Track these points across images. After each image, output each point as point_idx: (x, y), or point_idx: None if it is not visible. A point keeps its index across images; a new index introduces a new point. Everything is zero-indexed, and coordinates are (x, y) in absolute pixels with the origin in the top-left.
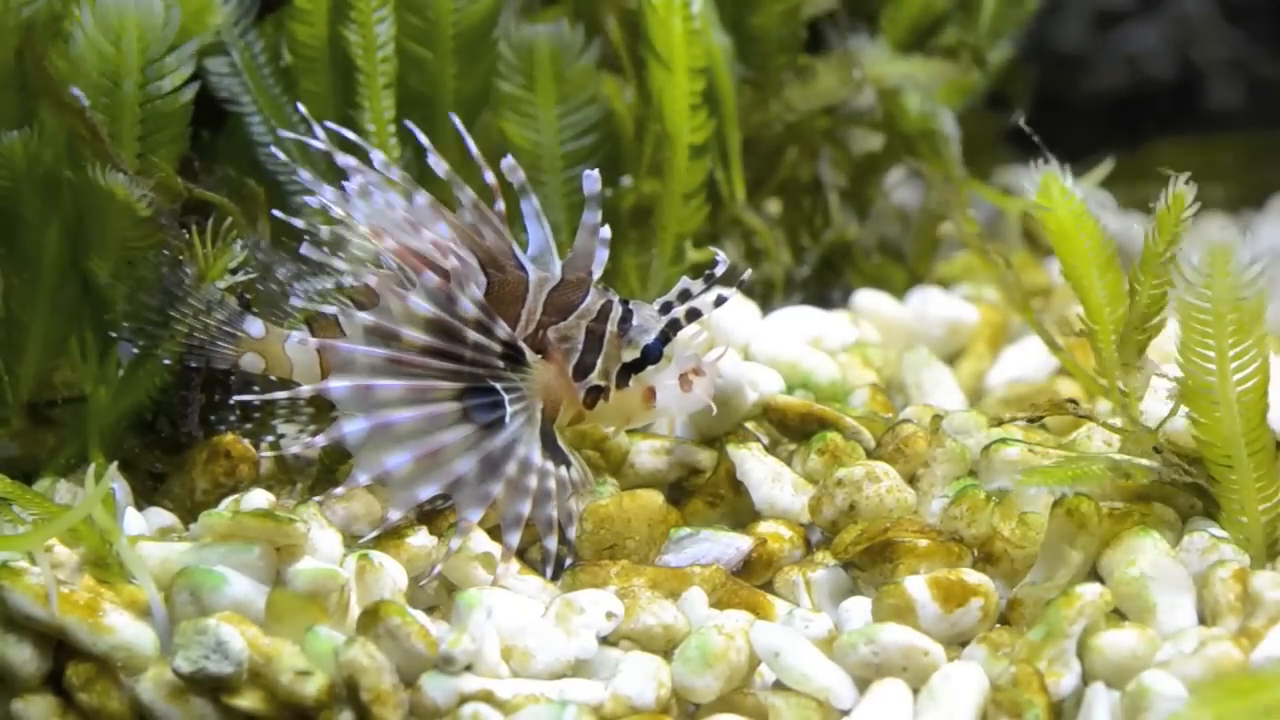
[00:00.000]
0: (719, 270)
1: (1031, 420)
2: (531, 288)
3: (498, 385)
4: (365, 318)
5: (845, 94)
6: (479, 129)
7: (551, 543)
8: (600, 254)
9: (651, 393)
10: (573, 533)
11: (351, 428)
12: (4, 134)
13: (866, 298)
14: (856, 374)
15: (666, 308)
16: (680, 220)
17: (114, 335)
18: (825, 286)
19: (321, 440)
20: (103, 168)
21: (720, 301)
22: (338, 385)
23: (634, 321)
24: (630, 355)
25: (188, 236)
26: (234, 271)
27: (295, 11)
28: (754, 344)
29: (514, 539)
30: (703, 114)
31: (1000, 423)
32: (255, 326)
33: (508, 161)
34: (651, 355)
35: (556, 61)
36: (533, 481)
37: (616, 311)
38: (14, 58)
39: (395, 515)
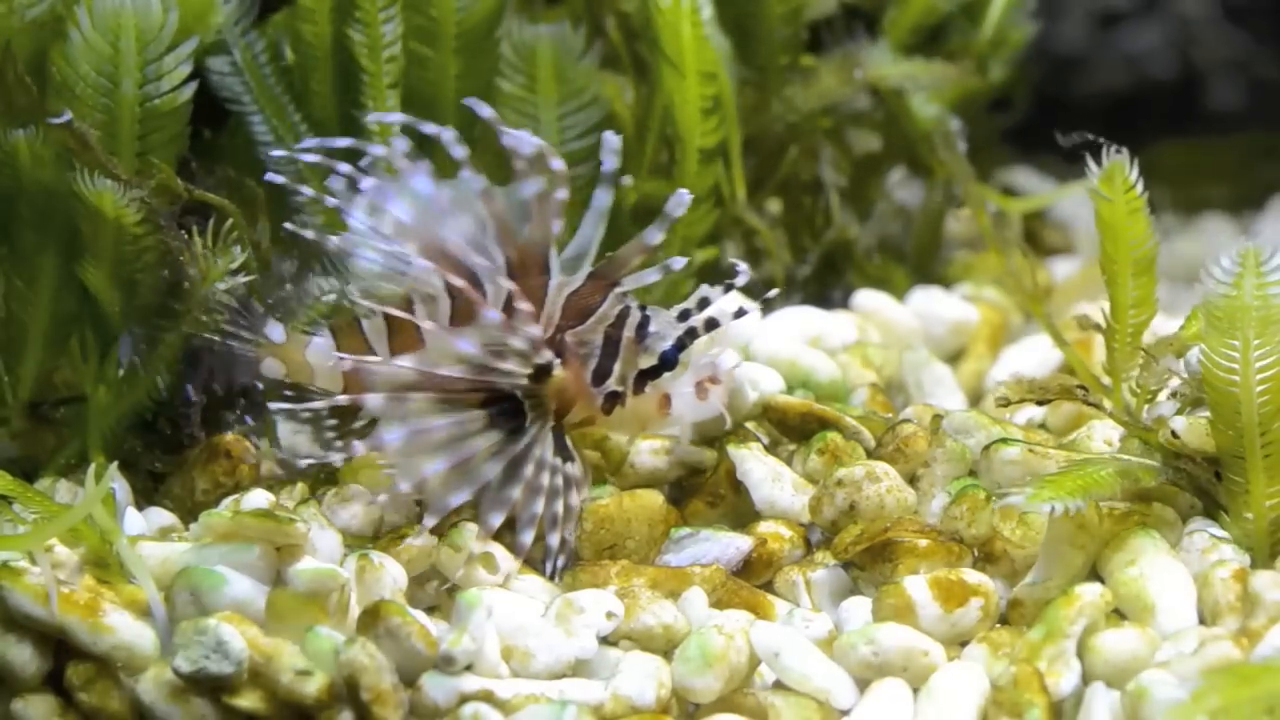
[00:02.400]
0: (739, 281)
1: (1040, 403)
2: (551, 291)
3: (518, 393)
4: (406, 364)
5: (847, 95)
6: (480, 128)
7: (555, 538)
8: (650, 276)
9: (667, 400)
10: (572, 531)
11: (391, 435)
12: (9, 133)
13: (867, 298)
14: (856, 374)
15: (685, 315)
16: (687, 223)
17: (126, 335)
18: (826, 286)
19: (361, 449)
20: (93, 175)
21: (741, 313)
22: (374, 398)
23: (651, 328)
24: (647, 362)
25: (187, 238)
26: (234, 273)
27: (300, 11)
28: (754, 344)
29: (528, 537)
30: (714, 119)
31: (1008, 402)
32: (276, 331)
33: (611, 142)
34: (668, 362)
35: (558, 62)
36: (545, 479)
37: (634, 317)
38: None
39: (430, 523)
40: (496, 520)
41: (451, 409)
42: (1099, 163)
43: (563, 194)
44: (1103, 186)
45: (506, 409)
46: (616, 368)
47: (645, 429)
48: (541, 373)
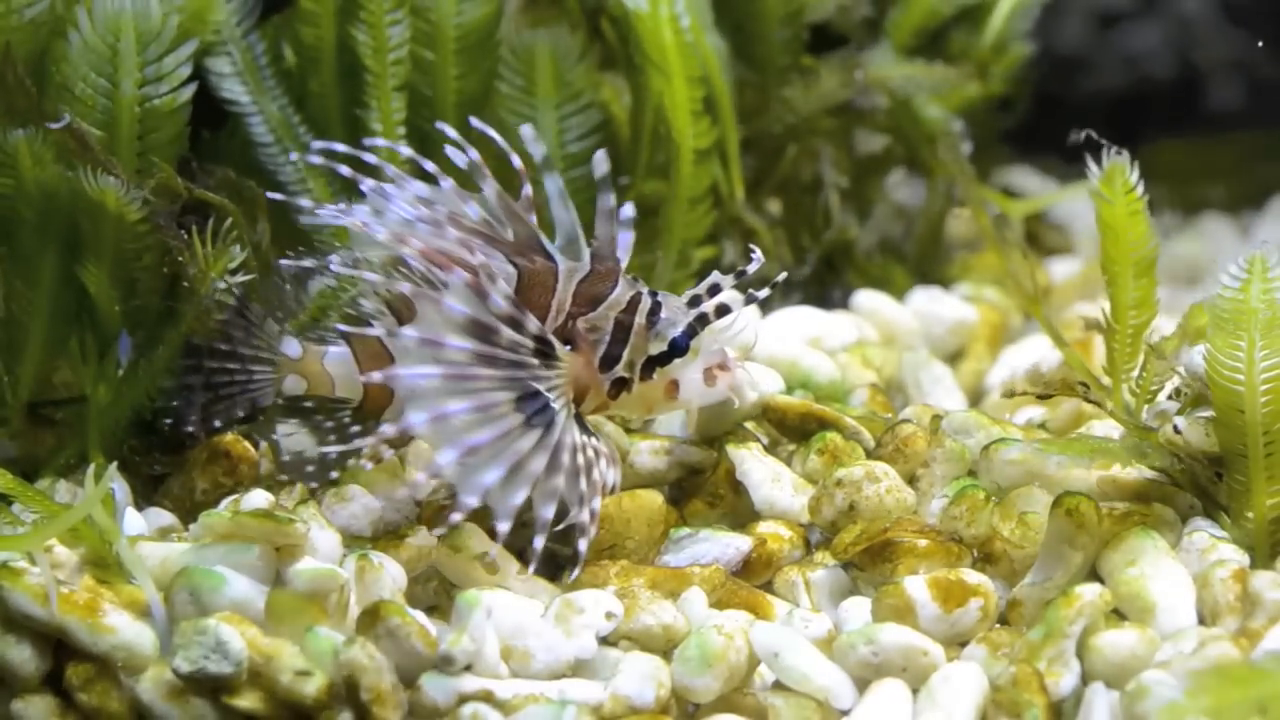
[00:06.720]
0: (753, 267)
1: (1041, 398)
2: (561, 278)
3: (540, 387)
4: (410, 333)
5: (847, 96)
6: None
7: (584, 514)
8: (624, 236)
9: (675, 385)
10: (579, 511)
11: (445, 458)
12: (9, 134)
13: (867, 298)
14: (856, 374)
15: (695, 301)
16: (686, 225)
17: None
18: (825, 286)
19: (389, 453)
20: (95, 174)
21: (750, 300)
22: (417, 418)
23: (662, 314)
24: (657, 348)
25: (186, 238)
26: (233, 273)
27: (301, 13)
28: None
29: (548, 512)
30: (706, 120)
31: (1012, 394)
32: (292, 347)
33: (526, 130)
34: (678, 349)
35: (556, 65)
36: (580, 459)
37: (645, 304)
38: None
39: (505, 528)
40: (548, 512)
41: (491, 419)
42: (1099, 163)
43: (527, 189)
44: (1103, 188)
45: (535, 406)
46: (625, 354)
47: (651, 412)
48: (545, 349)
